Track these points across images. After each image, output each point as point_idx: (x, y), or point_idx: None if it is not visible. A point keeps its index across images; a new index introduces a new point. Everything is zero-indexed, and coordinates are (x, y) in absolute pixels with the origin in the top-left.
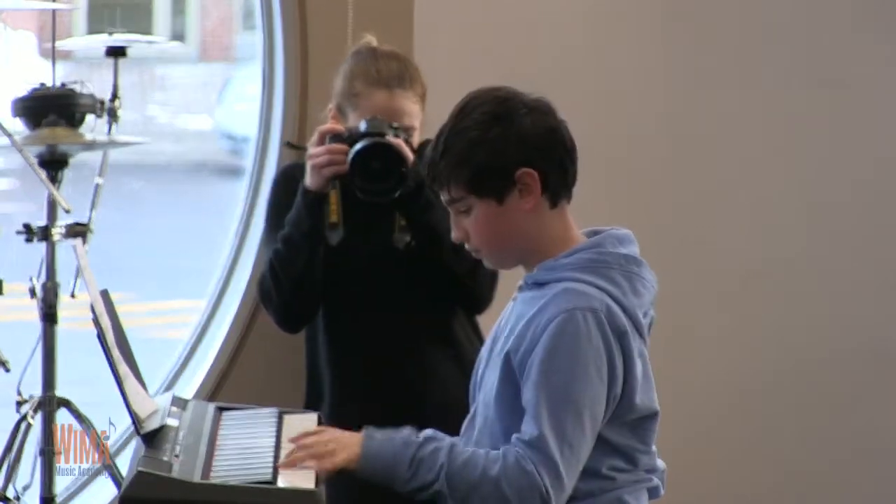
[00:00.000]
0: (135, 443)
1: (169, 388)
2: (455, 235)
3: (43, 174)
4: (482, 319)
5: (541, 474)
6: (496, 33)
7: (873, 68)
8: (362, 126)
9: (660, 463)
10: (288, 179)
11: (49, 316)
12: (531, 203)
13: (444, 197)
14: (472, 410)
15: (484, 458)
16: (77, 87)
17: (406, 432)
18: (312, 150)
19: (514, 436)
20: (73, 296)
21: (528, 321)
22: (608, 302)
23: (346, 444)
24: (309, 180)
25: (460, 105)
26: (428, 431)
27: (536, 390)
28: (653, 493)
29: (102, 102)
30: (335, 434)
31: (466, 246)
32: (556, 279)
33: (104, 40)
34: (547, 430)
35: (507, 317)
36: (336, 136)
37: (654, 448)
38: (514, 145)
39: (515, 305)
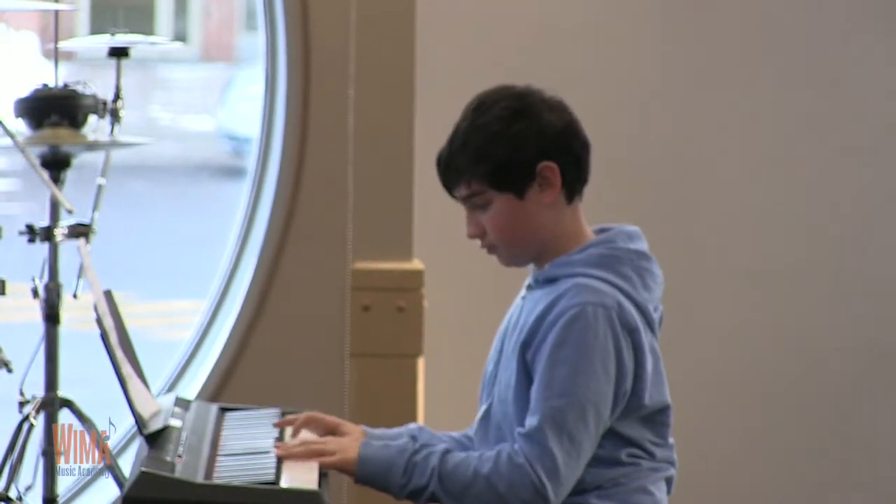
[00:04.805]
0: (137, 443)
1: (172, 388)
2: (469, 231)
3: (45, 175)
4: (485, 318)
5: (534, 467)
6: (498, 33)
7: (872, 68)
8: None
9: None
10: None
11: (51, 316)
12: (551, 197)
13: (460, 192)
14: (482, 409)
15: (476, 459)
16: (79, 88)
17: (403, 440)
18: None
19: (517, 429)
20: (75, 296)
21: (539, 316)
22: (620, 298)
23: (344, 446)
24: None
25: (476, 102)
26: (424, 438)
27: (540, 382)
28: (669, 483)
29: (105, 103)
30: (334, 437)
31: (480, 243)
32: (568, 274)
33: (107, 41)
34: (546, 423)
35: (516, 315)
36: None
37: (671, 441)
38: (536, 139)
39: (525, 303)
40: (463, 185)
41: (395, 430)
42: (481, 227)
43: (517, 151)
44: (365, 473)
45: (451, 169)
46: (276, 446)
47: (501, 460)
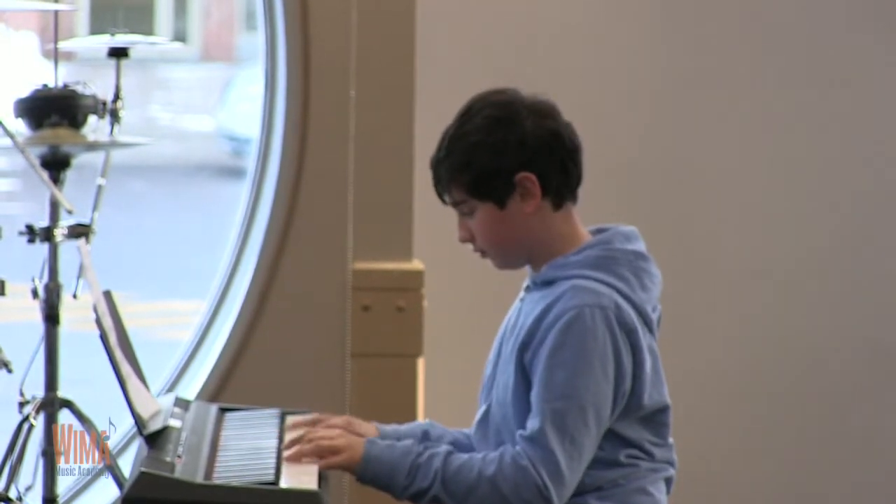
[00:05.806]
0: (137, 443)
1: (171, 388)
2: (460, 236)
3: (45, 175)
4: (485, 318)
5: (537, 469)
6: (498, 34)
7: (873, 68)
8: None
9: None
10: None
11: (51, 317)
12: (532, 206)
13: (447, 199)
14: (481, 410)
15: (480, 461)
16: (79, 88)
17: (408, 441)
18: None
19: (518, 431)
20: (75, 296)
21: (537, 319)
22: (617, 299)
23: (351, 445)
24: None
25: (464, 108)
26: (435, 433)
27: (541, 385)
28: (669, 483)
29: (104, 103)
30: (345, 431)
31: (472, 247)
32: (565, 276)
33: (106, 41)
34: (548, 425)
35: (514, 317)
36: None
37: (670, 441)
38: (514, 149)
39: (523, 306)
40: (447, 194)
41: (406, 427)
42: (471, 232)
43: (494, 161)
44: (369, 474)
45: (439, 176)
46: (284, 447)
47: (505, 462)
